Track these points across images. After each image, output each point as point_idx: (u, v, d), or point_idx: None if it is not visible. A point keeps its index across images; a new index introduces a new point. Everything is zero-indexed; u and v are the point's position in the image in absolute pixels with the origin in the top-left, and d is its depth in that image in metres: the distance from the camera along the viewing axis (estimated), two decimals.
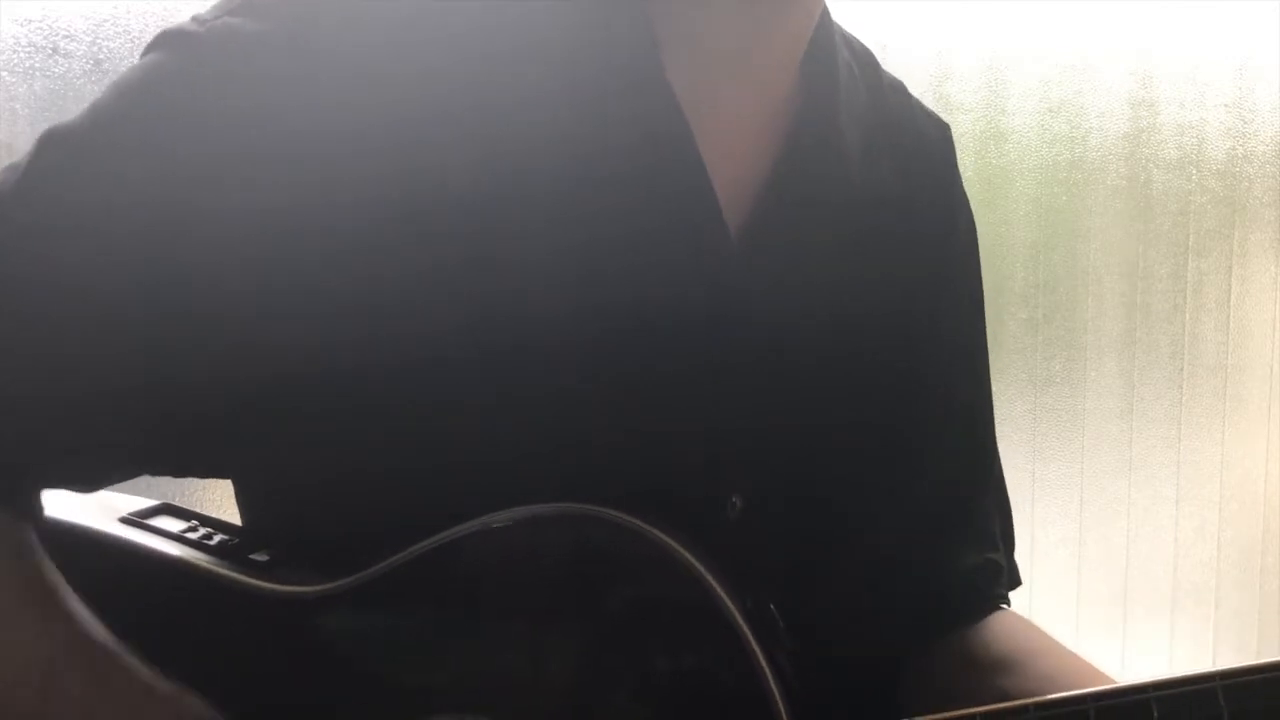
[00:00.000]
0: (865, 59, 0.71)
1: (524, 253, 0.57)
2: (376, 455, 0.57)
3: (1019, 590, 0.77)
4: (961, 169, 0.76)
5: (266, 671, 0.58)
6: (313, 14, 0.55)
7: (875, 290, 0.67)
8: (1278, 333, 1.95)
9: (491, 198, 0.56)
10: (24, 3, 1.22)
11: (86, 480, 0.60)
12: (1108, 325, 1.84)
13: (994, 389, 0.78)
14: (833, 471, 0.66)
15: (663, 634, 0.56)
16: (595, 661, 0.56)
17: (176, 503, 0.65)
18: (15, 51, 1.22)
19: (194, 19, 0.56)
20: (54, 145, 0.56)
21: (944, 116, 0.76)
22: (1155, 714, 0.51)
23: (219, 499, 1.08)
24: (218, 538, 0.62)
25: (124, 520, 0.62)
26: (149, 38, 0.58)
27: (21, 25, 1.22)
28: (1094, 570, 1.86)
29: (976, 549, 0.74)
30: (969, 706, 0.54)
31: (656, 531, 0.55)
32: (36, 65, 1.23)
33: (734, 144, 0.62)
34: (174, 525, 0.63)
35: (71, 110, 0.57)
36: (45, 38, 1.23)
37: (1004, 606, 0.75)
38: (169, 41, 0.56)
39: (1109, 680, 0.62)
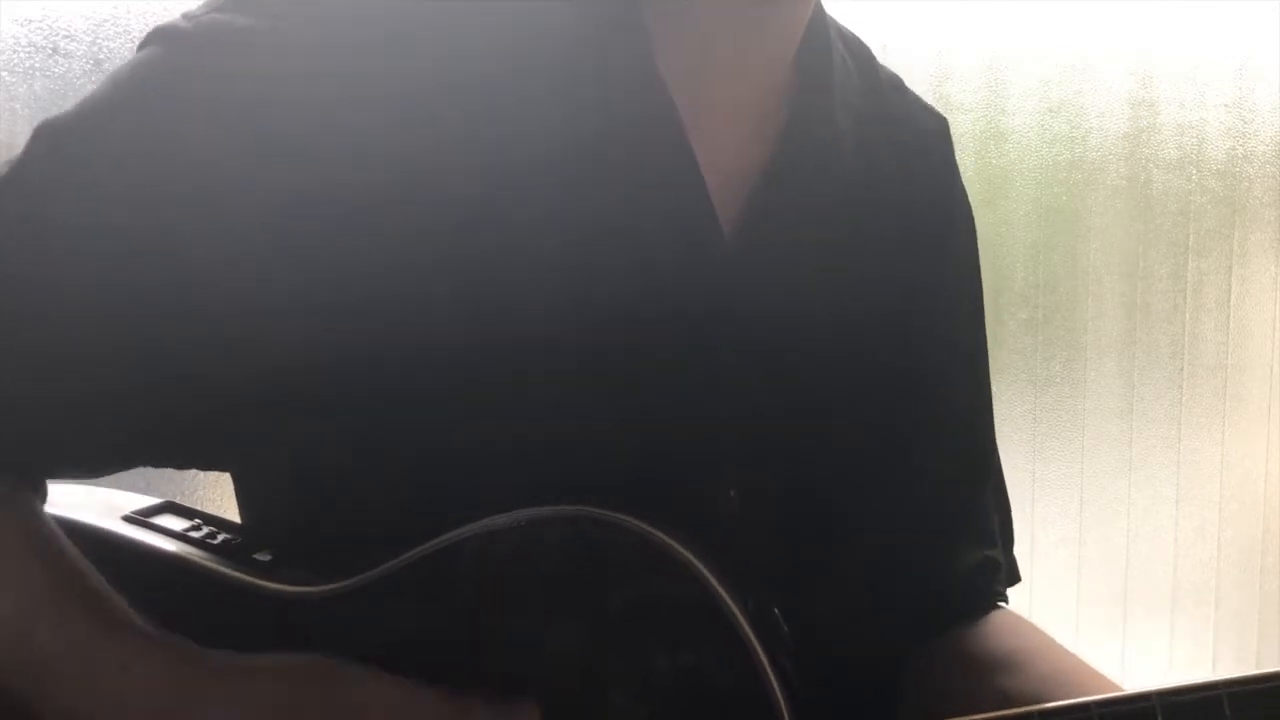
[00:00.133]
0: (861, 54, 0.71)
1: (516, 247, 0.57)
2: (372, 452, 0.57)
3: (1019, 589, 0.77)
4: (961, 169, 0.76)
5: None
6: (302, 9, 0.56)
7: (872, 286, 0.67)
8: (1278, 333, 1.95)
9: (483, 191, 0.56)
10: (24, 3, 1.22)
11: (85, 470, 0.61)
12: (1108, 325, 1.84)
13: (994, 389, 0.78)
14: (830, 469, 0.66)
15: (665, 635, 0.56)
16: (597, 662, 0.56)
17: (179, 501, 0.65)
18: (15, 51, 1.22)
19: (185, 15, 0.57)
20: (48, 138, 0.56)
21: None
22: None
23: (221, 497, 1.09)
24: (221, 536, 0.62)
25: (127, 519, 0.62)
26: None
27: (21, 25, 1.22)
28: (1094, 570, 1.85)
29: (976, 547, 0.74)
30: (969, 709, 0.54)
31: (659, 533, 0.55)
32: (36, 65, 1.23)
33: (728, 138, 0.62)
34: (177, 524, 0.63)
35: None
36: (45, 38, 1.23)
37: (1002, 605, 0.75)
38: (161, 37, 0.57)
39: (1107, 681, 0.62)
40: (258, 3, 0.56)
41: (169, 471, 0.68)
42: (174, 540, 0.61)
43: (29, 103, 1.22)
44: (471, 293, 0.56)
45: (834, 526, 0.66)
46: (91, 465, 0.60)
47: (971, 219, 0.77)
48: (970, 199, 0.76)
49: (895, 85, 0.73)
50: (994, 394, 0.78)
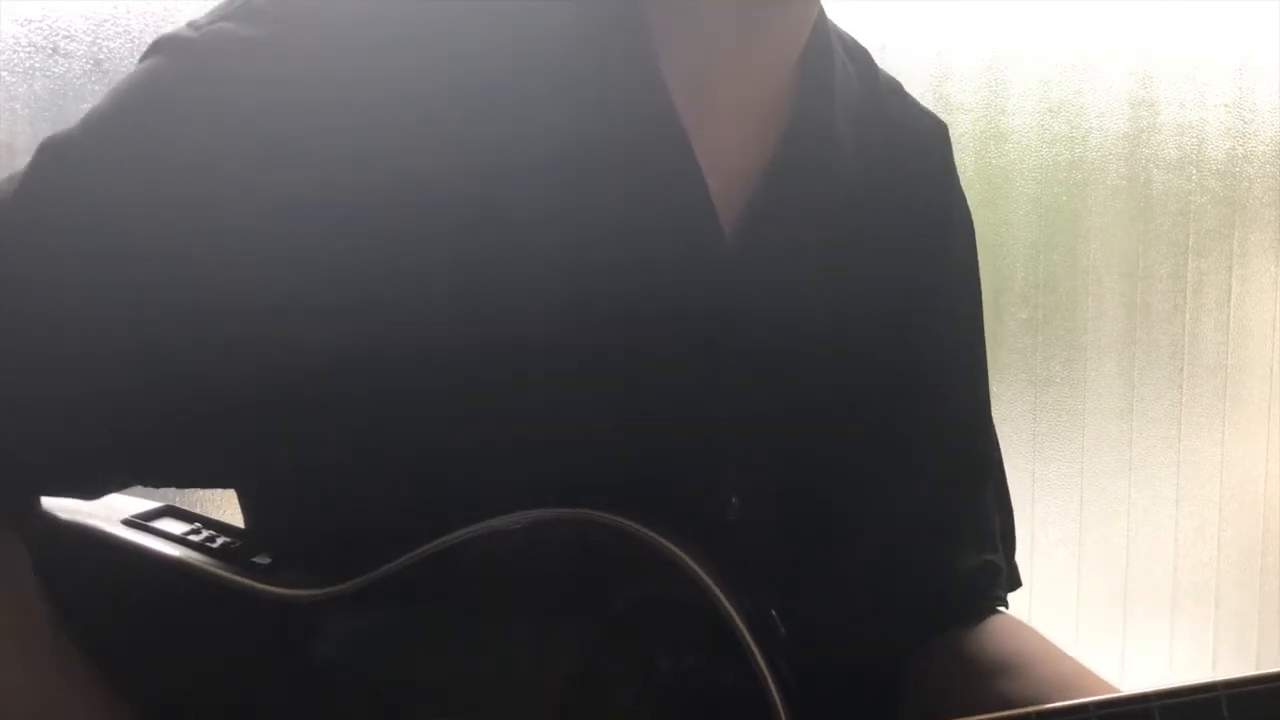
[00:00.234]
0: (861, 58, 0.71)
1: (516, 247, 0.57)
2: (373, 452, 0.57)
3: (1019, 590, 0.77)
4: (961, 169, 0.76)
5: (268, 674, 0.58)
6: (306, 18, 0.56)
7: (872, 288, 0.67)
8: (1278, 333, 1.95)
9: (483, 191, 0.56)
10: (24, 3, 1.22)
11: (84, 486, 0.61)
12: (1108, 325, 1.84)
13: (994, 389, 0.78)
14: (830, 469, 0.66)
15: (663, 637, 0.56)
16: (596, 665, 0.56)
17: (179, 505, 0.65)
18: (15, 51, 1.22)
19: (189, 24, 0.57)
20: (52, 150, 0.56)
21: (944, 116, 0.76)
22: None
23: (221, 502, 1.08)
24: (220, 540, 0.62)
25: (127, 522, 0.62)
26: (149, 38, 0.59)
27: (21, 25, 1.22)
28: (1094, 570, 1.86)
29: (975, 549, 0.74)
30: (969, 710, 0.54)
31: (657, 536, 0.55)
32: (36, 65, 1.23)
33: (729, 139, 0.62)
34: (177, 528, 0.63)
35: (71, 110, 0.57)
36: (45, 38, 1.23)
37: (1002, 609, 0.75)
38: (165, 47, 0.57)
39: (1109, 687, 0.62)
40: (264, 12, 0.56)
41: None
42: (174, 544, 0.61)
43: (29, 103, 1.22)
44: (472, 293, 0.56)
45: (834, 526, 0.66)
46: (89, 478, 0.60)
47: (970, 221, 0.77)
48: (970, 199, 0.77)
49: (894, 89, 0.74)
50: (994, 394, 0.78)
